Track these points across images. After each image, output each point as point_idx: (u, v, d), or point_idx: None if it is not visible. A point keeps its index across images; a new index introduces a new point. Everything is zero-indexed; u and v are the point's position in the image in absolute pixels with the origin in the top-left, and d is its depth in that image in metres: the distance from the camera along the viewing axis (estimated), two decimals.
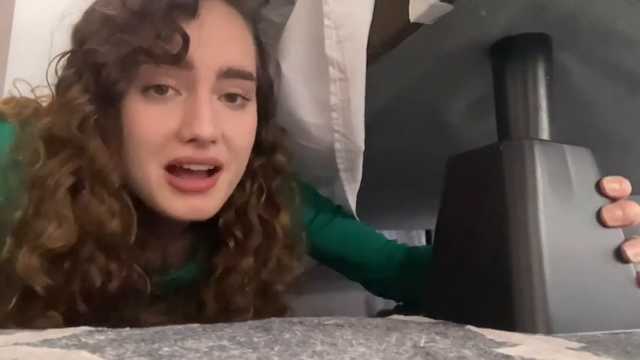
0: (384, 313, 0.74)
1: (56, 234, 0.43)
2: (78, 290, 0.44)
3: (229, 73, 0.47)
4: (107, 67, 0.44)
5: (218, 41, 0.47)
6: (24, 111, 0.50)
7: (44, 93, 0.51)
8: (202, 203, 0.47)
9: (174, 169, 0.46)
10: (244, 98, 0.50)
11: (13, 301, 0.43)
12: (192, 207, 0.47)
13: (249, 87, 0.50)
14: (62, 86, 0.46)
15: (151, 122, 0.45)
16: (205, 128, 0.44)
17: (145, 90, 0.45)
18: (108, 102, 0.45)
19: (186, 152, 0.45)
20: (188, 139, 0.45)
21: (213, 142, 0.46)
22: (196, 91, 0.45)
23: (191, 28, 0.44)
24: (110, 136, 0.45)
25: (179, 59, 0.44)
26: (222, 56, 0.47)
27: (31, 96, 0.53)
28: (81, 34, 0.47)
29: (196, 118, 0.44)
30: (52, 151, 0.45)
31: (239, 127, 0.49)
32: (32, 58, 0.49)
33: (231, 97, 0.49)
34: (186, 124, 0.45)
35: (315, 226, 0.67)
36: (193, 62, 0.45)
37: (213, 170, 0.48)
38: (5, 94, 0.55)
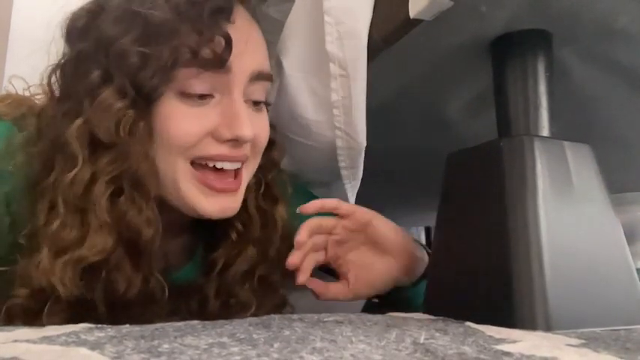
0: (369, 307, 0.74)
1: (99, 245, 0.42)
2: (101, 297, 0.44)
3: (259, 77, 0.49)
4: (146, 70, 0.43)
5: (250, 46, 0.48)
6: (19, 109, 0.49)
7: (39, 91, 0.51)
8: (231, 202, 0.49)
9: (200, 166, 0.47)
10: (264, 102, 0.52)
11: (45, 310, 0.42)
12: (223, 207, 0.48)
13: (268, 87, 0.52)
14: (86, 88, 0.44)
15: (187, 122, 0.45)
16: (247, 130, 0.46)
17: (184, 95, 0.45)
18: (146, 106, 0.44)
19: (220, 150, 0.47)
20: (228, 139, 0.46)
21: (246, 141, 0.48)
22: (232, 94, 0.47)
23: (230, 32, 0.45)
24: (146, 140, 0.44)
25: (223, 62, 0.44)
26: (255, 61, 0.49)
27: (26, 93, 0.52)
28: (99, 33, 0.45)
29: (237, 120, 0.46)
30: (89, 156, 0.43)
31: (262, 127, 0.51)
32: (30, 56, 0.48)
33: (255, 102, 0.51)
34: (226, 125, 0.46)
35: None
36: (231, 67, 0.46)
37: (238, 168, 0.50)
38: (3, 92, 0.55)
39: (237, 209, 0.50)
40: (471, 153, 0.47)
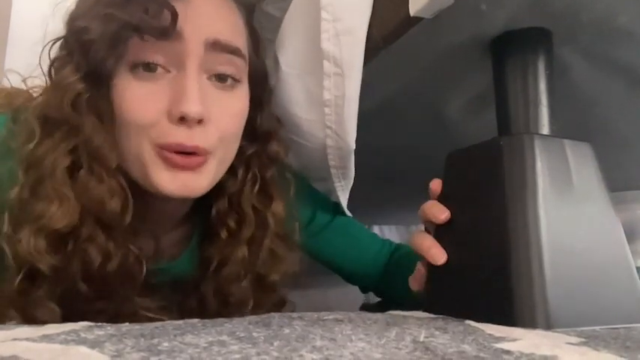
0: (366, 307, 0.74)
1: (59, 213, 0.43)
2: (79, 270, 0.45)
3: (217, 47, 0.47)
4: (95, 44, 0.43)
5: (205, 16, 0.47)
6: (15, 101, 0.50)
7: (36, 83, 0.51)
8: (192, 180, 0.47)
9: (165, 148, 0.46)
10: (234, 79, 0.49)
11: (17, 281, 0.43)
12: (182, 184, 0.46)
13: (239, 65, 0.50)
14: (55, 68, 0.47)
15: (140, 101, 0.45)
16: (192, 106, 0.44)
17: (134, 67, 0.45)
18: (98, 80, 0.45)
19: (177, 137, 0.45)
20: (177, 117, 0.44)
21: (201, 122, 0.45)
22: (185, 68, 0.45)
23: (179, 4, 0.44)
24: (104, 115, 0.45)
25: (167, 33, 0.44)
26: (209, 28, 0.47)
27: (23, 86, 0.53)
28: (73, 18, 0.47)
29: (184, 96, 0.44)
30: (47, 131, 0.45)
31: (229, 109, 0.49)
32: (29, 49, 0.49)
33: (220, 77, 0.48)
34: (175, 102, 0.44)
35: (312, 229, 0.67)
36: (182, 35, 0.45)
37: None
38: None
39: (202, 190, 0.48)
40: (470, 152, 0.47)
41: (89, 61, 0.44)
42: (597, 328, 0.38)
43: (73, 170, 0.45)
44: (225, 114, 0.48)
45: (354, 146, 0.58)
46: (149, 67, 0.45)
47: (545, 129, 0.47)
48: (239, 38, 0.50)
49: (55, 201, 0.43)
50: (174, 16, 0.44)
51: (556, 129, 0.47)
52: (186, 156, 0.46)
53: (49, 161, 0.44)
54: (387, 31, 0.50)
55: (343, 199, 0.66)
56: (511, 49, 0.49)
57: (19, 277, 0.43)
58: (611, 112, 0.68)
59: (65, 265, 0.44)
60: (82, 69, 0.45)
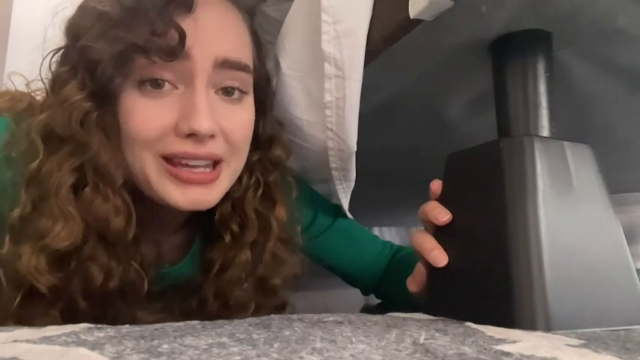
0: (367, 309, 0.74)
1: (63, 233, 0.43)
2: (79, 288, 0.44)
3: (225, 65, 0.47)
4: (102, 64, 0.43)
5: (214, 33, 0.47)
6: (18, 105, 0.50)
7: (39, 86, 0.51)
8: (204, 195, 0.47)
9: (172, 160, 0.46)
10: (241, 91, 0.49)
11: (17, 300, 0.43)
12: (193, 199, 0.46)
13: (246, 79, 0.50)
14: (57, 83, 0.46)
15: (147, 116, 0.45)
16: (203, 123, 0.44)
17: (141, 84, 0.45)
18: (105, 98, 0.45)
19: (184, 147, 0.45)
20: (186, 134, 0.44)
21: (212, 136, 0.46)
22: (193, 85, 0.45)
23: (186, 23, 0.44)
24: (110, 132, 0.45)
25: (175, 54, 0.43)
26: (218, 47, 0.47)
27: (26, 90, 0.53)
28: (75, 30, 0.46)
29: (194, 112, 0.44)
30: (51, 148, 0.45)
31: (237, 121, 0.49)
32: (29, 53, 0.49)
33: (228, 91, 0.48)
34: (184, 118, 0.44)
35: (313, 232, 0.67)
36: (190, 53, 0.45)
37: (214, 164, 0.48)
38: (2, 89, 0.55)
39: (213, 203, 0.48)
40: (471, 153, 0.47)
41: (95, 80, 0.44)
42: (597, 329, 0.38)
43: (77, 188, 0.45)
44: (235, 126, 0.48)
45: (355, 148, 0.58)
46: (157, 84, 0.45)
47: (545, 131, 0.47)
48: (247, 53, 0.50)
49: (59, 220, 0.43)
50: (182, 35, 0.43)
51: (556, 131, 0.47)
52: (195, 171, 0.46)
53: (55, 179, 0.44)
54: (387, 33, 0.50)
55: (344, 201, 0.66)
56: (511, 50, 0.49)
57: (19, 295, 0.43)
58: (611, 114, 0.68)
59: (66, 284, 0.44)
60: (88, 87, 0.45)
